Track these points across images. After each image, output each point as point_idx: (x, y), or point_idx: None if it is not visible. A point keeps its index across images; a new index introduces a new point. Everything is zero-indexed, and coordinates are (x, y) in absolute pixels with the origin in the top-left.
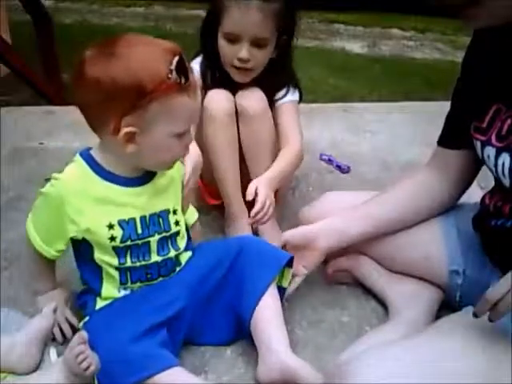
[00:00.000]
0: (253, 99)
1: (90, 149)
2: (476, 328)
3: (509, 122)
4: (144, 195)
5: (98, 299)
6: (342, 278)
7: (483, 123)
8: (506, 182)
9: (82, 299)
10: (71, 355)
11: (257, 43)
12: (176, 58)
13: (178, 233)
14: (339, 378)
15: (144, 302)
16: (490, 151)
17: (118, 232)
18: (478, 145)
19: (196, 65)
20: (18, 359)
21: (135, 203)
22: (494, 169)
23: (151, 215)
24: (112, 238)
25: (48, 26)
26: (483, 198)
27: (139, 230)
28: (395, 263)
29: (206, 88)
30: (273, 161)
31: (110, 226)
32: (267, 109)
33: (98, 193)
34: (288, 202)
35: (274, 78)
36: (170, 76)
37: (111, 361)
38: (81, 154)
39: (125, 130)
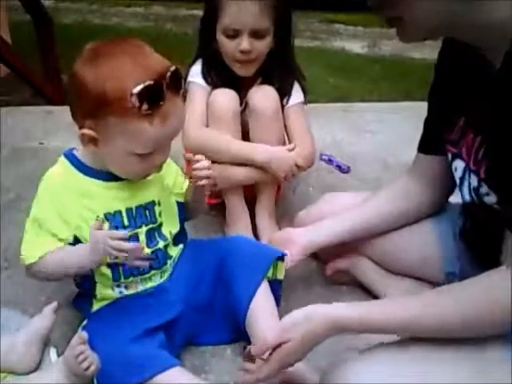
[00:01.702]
0: (266, 98)
1: (73, 149)
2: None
3: (471, 135)
4: (128, 188)
5: (93, 301)
6: (342, 278)
7: (453, 135)
8: (468, 197)
9: (77, 303)
10: (71, 355)
11: (256, 34)
12: (145, 84)
13: (162, 223)
14: (335, 378)
15: (141, 306)
16: (459, 164)
17: (104, 225)
18: (449, 156)
19: (197, 66)
20: (18, 359)
21: (119, 196)
22: (459, 182)
23: (137, 207)
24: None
25: (48, 26)
26: (462, 206)
27: (126, 222)
28: (393, 264)
29: (213, 88)
30: None
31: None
32: (279, 109)
33: (80, 188)
34: (288, 202)
35: (280, 74)
36: (129, 99)
37: (111, 362)
38: (64, 154)
39: (85, 130)
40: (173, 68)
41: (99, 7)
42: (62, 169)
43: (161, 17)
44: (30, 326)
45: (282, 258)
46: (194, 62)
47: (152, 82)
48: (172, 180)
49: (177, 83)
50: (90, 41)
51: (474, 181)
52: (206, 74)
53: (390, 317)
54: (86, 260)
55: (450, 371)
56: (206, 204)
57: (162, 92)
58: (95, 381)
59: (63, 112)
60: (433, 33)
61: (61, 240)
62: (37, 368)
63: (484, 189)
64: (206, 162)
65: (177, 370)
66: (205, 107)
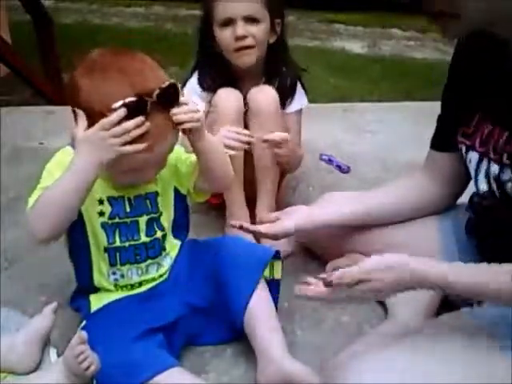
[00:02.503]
0: (266, 99)
1: None
2: (469, 335)
3: (489, 127)
4: None
5: (91, 299)
6: None
7: (469, 129)
8: (484, 187)
9: (75, 303)
10: (71, 355)
11: (250, 20)
12: (125, 100)
13: (162, 213)
14: (335, 378)
15: (139, 307)
16: (473, 156)
17: (106, 208)
18: (463, 149)
19: (194, 79)
20: (18, 359)
21: (122, 185)
22: (474, 173)
23: (136, 196)
24: (101, 213)
25: (48, 25)
26: (471, 198)
27: (128, 209)
28: None
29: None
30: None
31: (100, 201)
32: (279, 109)
33: None
34: (288, 202)
35: (282, 73)
36: (108, 115)
37: (111, 364)
38: (70, 145)
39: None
40: (164, 85)
41: (99, 7)
42: (68, 156)
43: (161, 17)
44: (30, 326)
45: (278, 257)
46: (191, 74)
47: (134, 99)
48: (171, 171)
49: (167, 101)
50: (90, 41)
51: (496, 168)
52: (203, 80)
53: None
54: (84, 168)
55: (449, 371)
56: (208, 202)
57: (145, 109)
58: (95, 381)
59: (63, 112)
60: (477, 27)
61: None
62: (37, 368)
63: (506, 174)
64: (193, 106)
65: (176, 371)
66: None
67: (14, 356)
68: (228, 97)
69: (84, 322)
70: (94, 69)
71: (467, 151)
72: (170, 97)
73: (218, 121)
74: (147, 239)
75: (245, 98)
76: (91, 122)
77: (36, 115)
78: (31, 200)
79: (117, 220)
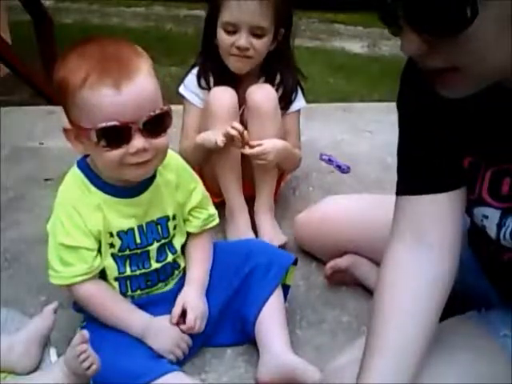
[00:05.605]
0: (265, 96)
1: (86, 156)
2: (477, 345)
3: (508, 180)
4: (141, 205)
5: None
6: (342, 279)
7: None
8: (508, 243)
9: (77, 304)
10: (72, 355)
11: (255, 32)
12: (108, 124)
13: (174, 236)
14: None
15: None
16: (489, 212)
17: (116, 241)
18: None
19: (192, 76)
20: (18, 359)
21: (132, 213)
22: (495, 230)
23: (148, 223)
24: (111, 245)
25: (48, 25)
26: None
27: (138, 240)
28: None
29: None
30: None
31: (111, 234)
32: (277, 107)
33: (94, 202)
34: (288, 202)
35: (283, 76)
36: (92, 136)
37: (110, 367)
38: (77, 164)
39: (65, 125)
40: (154, 113)
41: (99, 7)
42: (76, 182)
43: (161, 17)
44: (30, 326)
45: (294, 263)
46: (190, 70)
47: (117, 124)
48: (184, 196)
49: (155, 129)
50: None
51: None
52: (202, 78)
53: None
54: (138, 333)
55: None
56: None
57: (129, 136)
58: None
59: (63, 112)
60: (492, 81)
61: (90, 250)
62: (37, 368)
63: None
64: None
65: (176, 375)
66: (196, 127)
67: (14, 356)
68: (222, 95)
69: (84, 324)
70: (67, 51)
71: (473, 205)
72: (158, 125)
73: (212, 119)
74: (158, 265)
75: (244, 97)
76: (65, 97)
77: (36, 115)
78: (57, 267)
79: (127, 252)
